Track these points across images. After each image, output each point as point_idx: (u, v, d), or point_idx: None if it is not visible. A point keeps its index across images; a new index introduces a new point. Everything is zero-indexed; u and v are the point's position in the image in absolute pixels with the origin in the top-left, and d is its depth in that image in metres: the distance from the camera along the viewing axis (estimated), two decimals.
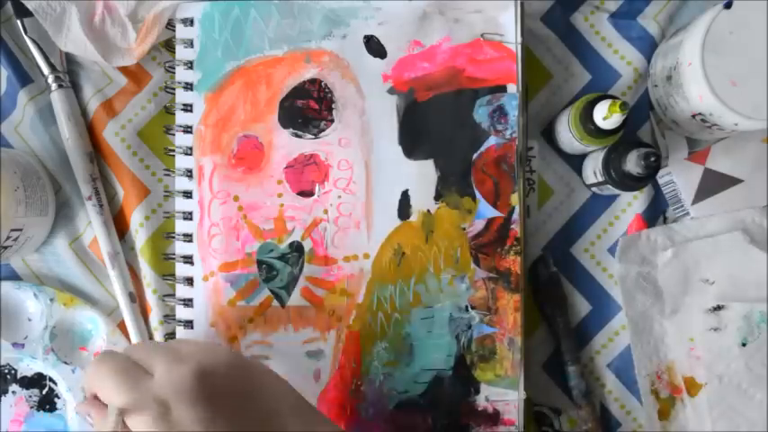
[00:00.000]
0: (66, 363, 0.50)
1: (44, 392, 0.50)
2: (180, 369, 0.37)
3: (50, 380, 0.50)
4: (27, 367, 0.50)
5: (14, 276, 0.51)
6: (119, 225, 0.51)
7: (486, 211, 0.47)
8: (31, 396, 0.50)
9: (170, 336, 0.49)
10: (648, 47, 0.50)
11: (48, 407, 0.50)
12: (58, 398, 0.50)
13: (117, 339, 0.50)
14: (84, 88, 0.51)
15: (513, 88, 0.47)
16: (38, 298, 0.50)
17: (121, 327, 0.50)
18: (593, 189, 0.50)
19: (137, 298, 0.50)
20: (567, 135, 0.46)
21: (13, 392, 0.50)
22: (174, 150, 0.49)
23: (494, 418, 0.47)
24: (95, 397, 0.39)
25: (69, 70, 0.51)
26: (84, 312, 0.50)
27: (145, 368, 0.38)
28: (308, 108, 0.48)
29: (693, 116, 0.45)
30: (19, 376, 0.50)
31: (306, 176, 0.48)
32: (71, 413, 0.50)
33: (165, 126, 0.50)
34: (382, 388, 0.47)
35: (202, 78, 0.49)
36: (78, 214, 0.51)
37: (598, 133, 0.44)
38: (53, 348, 0.50)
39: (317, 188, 0.48)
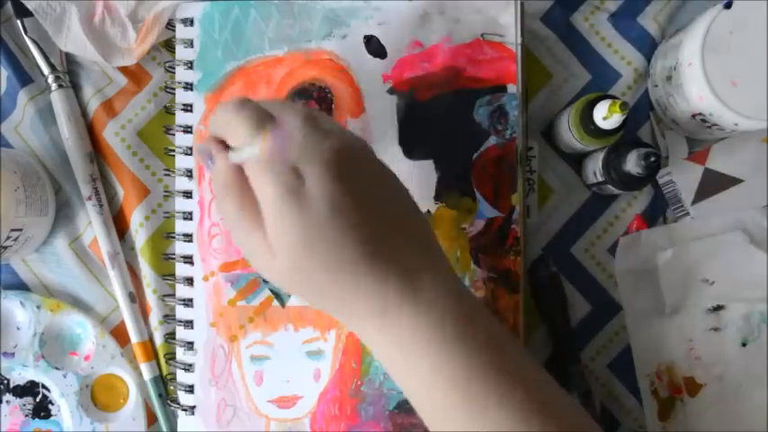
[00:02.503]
0: (57, 368, 0.50)
1: (38, 400, 0.50)
2: (321, 138, 0.35)
3: (43, 386, 0.50)
4: (19, 376, 0.50)
5: (14, 276, 0.51)
6: (119, 225, 0.51)
7: (486, 211, 0.47)
8: (25, 404, 0.50)
9: (170, 336, 0.49)
10: (648, 47, 0.50)
11: (42, 414, 0.50)
12: (52, 404, 0.50)
13: (106, 342, 0.50)
14: (84, 88, 0.51)
15: (513, 88, 0.47)
16: (24, 306, 0.50)
17: (122, 327, 0.50)
18: (593, 189, 0.50)
19: (137, 298, 0.50)
20: (567, 135, 0.46)
21: (8, 402, 0.50)
22: (174, 150, 0.49)
23: None
24: (217, 139, 0.37)
25: (69, 70, 0.51)
26: (71, 317, 0.50)
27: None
28: None
29: (693, 116, 0.45)
30: (12, 385, 0.50)
31: None
32: (66, 419, 0.50)
33: (165, 126, 0.50)
34: (382, 388, 0.47)
35: (202, 78, 0.49)
36: (78, 214, 0.51)
37: (598, 133, 0.44)
38: (43, 355, 0.50)
39: None
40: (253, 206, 0.35)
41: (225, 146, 0.37)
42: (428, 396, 0.36)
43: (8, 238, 0.45)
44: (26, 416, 0.50)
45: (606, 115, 0.43)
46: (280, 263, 0.35)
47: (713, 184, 0.49)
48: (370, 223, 0.35)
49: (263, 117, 0.35)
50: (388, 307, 0.35)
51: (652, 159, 0.43)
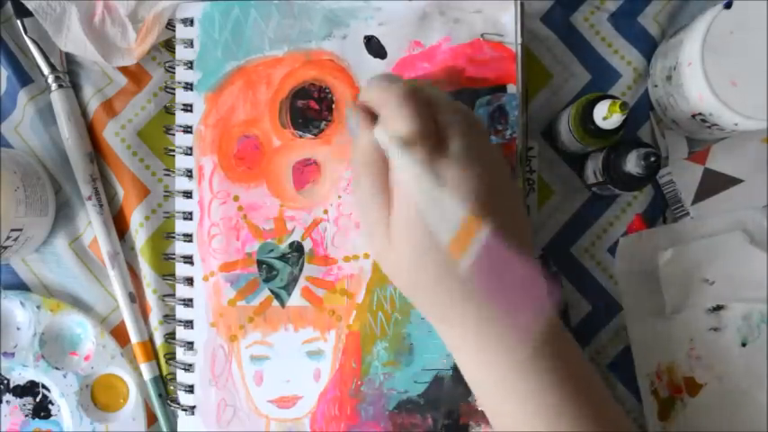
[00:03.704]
0: (57, 368, 0.50)
1: (38, 400, 0.50)
2: (473, 162, 0.35)
3: (43, 386, 0.50)
4: (19, 376, 0.50)
5: (14, 276, 0.51)
6: (119, 225, 0.51)
7: None
8: (25, 404, 0.50)
9: (170, 336, 0.49)
10: (648, 47, 0.50)
11: (42, 414, 0.50)
12: (52, 404, 0.50)
13: (106, 342, 0.50)
14: (84, 88, 0.51)
15: (513, 88, 0.47)
16: (24, 306, 0.50)
17: (122, 327, 0.50)
18: (594, 189, 0.50)
19: (137, 298, 0.50)
20: (567, 135, 0.46)
21: (8, 402, 0.50)
22: (174, 150, 0.49)
23: None
24: (367, 109, 0.37)
25: (69, 70, 0.51)
26: (71, 317, 0.50)
27: (442, 129, 0.36)
28: (308, 108, 0.48)
29: (693, 116, 0.45)
30: (12, 385, 0.50)
31: (306, 176, 0.48)
32: (66, 419, 0.50)
33: (165, 126, 0.50)
34: (382, 388, 0.47)
35: (202, 78, 0.49)
36: (78, 214, 0.51)
37: (598, 133, 0.44)
38: (43, 355, 0.50)
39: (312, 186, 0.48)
40: (386, 191, 0.35)
41: (373, 118, 0.37)
42: (517, 423, 0.36)
43: (8, 238, 0.45)
44: (26, 416, 0.50)
45: (606, 115, 0.43)
46: (395, 256, 0.35)
47: (713, 184, 0.49)
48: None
49: (426, 118, 0.35)
50: (481, 336, 0.35)
51: (652, 159, 0.43)
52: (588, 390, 0.37)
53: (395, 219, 0.35)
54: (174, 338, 0.49)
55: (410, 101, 0.35)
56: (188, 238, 0.49)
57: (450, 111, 0.36)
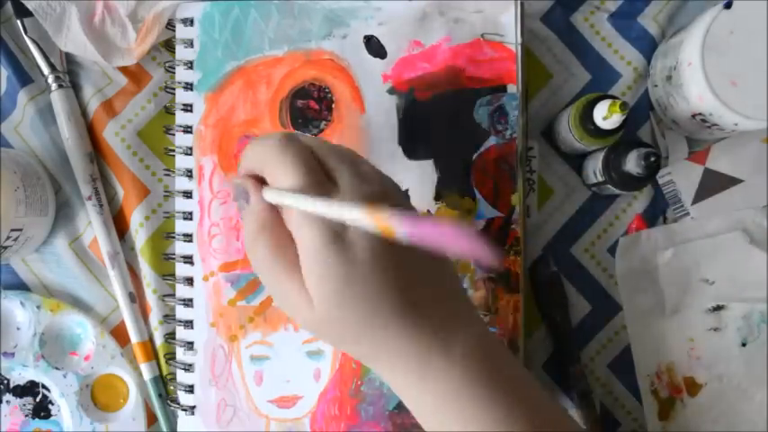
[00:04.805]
0: (57, 368, 0.50)
1: (38, 400, 0.50)
2: (365, 190, 0.34)
3: (43, 387, 0.50)
4: (19, 376, 0.50)
5: (14, 276, 0.51)
6: (119, 225, 0.51)
7: (486, 211, 0.47)
8: (25, 404, 0.50)
9: (170, 336, 0.49)
10: (648, 47, 0.50)
11: (42, 414, 0.50)
12: (52, 404, 0.50)
13: (106, 342, 0.50)
14: (84, 88, 0.51)
15: (513, 88, 0.47)
16: (24, 306, 0.50)
17: (122, 327, 0.50)
18: (593, 189, 0.50)
19: (137, 298, 0.50)
20: (567, 135, 0.46)
21: (8, 402, 0.50)
22: (174, 150, 0.49)
23: None
24: (253, 175, 0.36)
25: (69, 70, 0.51)
26: (71, 317, 0.50)
27: (327, 171, 0.35)
28: (308, 108, 0.48)
29: (693, 116, 0.45)
30: (12, 385, 0.50)
31: None
32: (66, 419, 0.50)
33: (165, 126, 0.50)
34: (382, 388, 0.47)
35: (202, 78, 0.49)
36: (78, 214, 0.51)
37: (598, 133, 0.44)
38: (43, 355, 0.50)
39: None
40: (289, 248, 0.34)
41: (260, 182, 0.36)
42: None
43: (8, 238, 0.45)
44: (26, 416, 0.50)
45: (606, 115, 0.43)
46: (318, 313, 0.34)
47: (713, 184, 0.49)
48: (407, 276, 0.34)
49: (306, 162, 0.34)
50: (422, 364, 0.34)
51: (652, 159, 0.43)
52: (527, 393, 0.36)
53: (307, 275, 0.33)
54: (173, 338, 0.49)
55: (289, 151, 0.34)
56: (188, 238, 0.49)
57: (329, 150, 0.36)
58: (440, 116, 0.48)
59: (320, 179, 0.34)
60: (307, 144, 0.35)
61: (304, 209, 0.33)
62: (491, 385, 0.35)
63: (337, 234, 0.33)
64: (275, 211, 0.35)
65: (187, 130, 0.49)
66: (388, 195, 0.35)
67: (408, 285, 0.34)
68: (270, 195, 0.35)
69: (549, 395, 0.38)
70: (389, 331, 0.34)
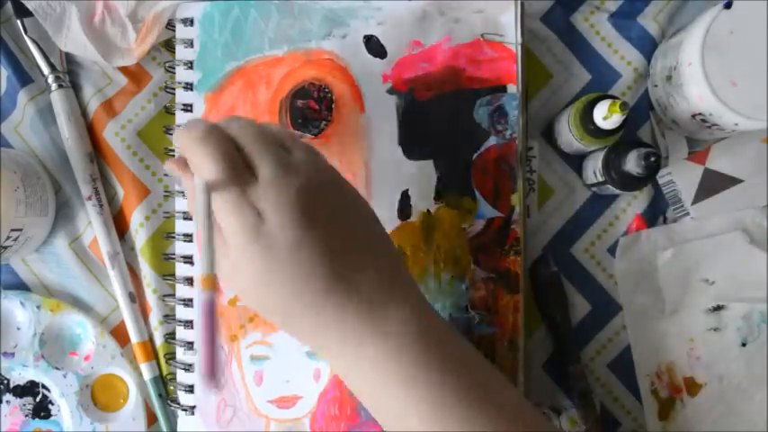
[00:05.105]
0: (57, 368, 0.50)
1: (38, 400, 0.50)
2: (288, 181, 0.35)
3: (43, 386, 0.50)
4: (19, 376, 0.50)
5: (14, 276, 0.51)
6: (119, 225, 0.51)
7: (486, 211, 0.47)
8: (25, 404, 0.50)
9: (170, 336, 0.49)
10: (648, 47, 0.50)
11: (42, 414, 0.50)
12: (52, 404, 0.50)
13: (106, 342, 0.50)
14: (84, 88, 0.51)
15: (513, 88, 0.47)
16: (25, 306, 0.50)
17: (122, 327, 0.50)
18: (593, 189, 0.50)
19: (137, 298, 0.50)
20: (567, 135, 0.46)
21: (8, 402, 0.50)
22: (174, 150, 0.49)
23: None
24: (185, 162, 0.37)
25: (69, 70, 0.51)
26: (71, 317, 0.50)
27: (249, 162, 0.35)
28: (307, 108, 0.48)
29: (693, 116, 0.45)
30: (12, 385, 0.50)
31: None
32: (66, 419, 0.50)
33: (165, 126, 0.50)
34: None
35: (202, 78, 0.49)
36: (78, 214, 0.51)
37: (598, 133, 0.44)
38: (43, 355, 0.50)
39: None
40: (221, 233, 0.35)
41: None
42: (400, 425, 0.36)
43: (8, 238, 0.45)
44: (26, 416, 0.50)
45: (606, 115, 0.43)
46: (245, 293, 0.36)
47: (713, 184, 0.49)
48: (331, 258, 0.35)
49: (230, 151, 0.35)
50: (347, 339, 0.35)
51: (652, 159, 0.43)
52: (465, 360, 0.37)
53: (231, 258, 0.35)
54: (173, 338, 0.49)
55: (208, 144, 0.34)
56: (188, 238, 0.49)
57: (254, 139, 0.36)
58: (440, 116, 0.48)
59: (237, 171, 0.34)
60: (229, 134, 0.36)
61: (219, 213, 0.35)
62: (426, 356, 0.35)
63: (254, 226, 0.34)
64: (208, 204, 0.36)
65: None
66: (312, 189, 0.35)
67: (333, 259, 0.35)
68: (196, 183, 0.36)
69: (490, 365, 0.38)
70: (315, 311, 0.35)
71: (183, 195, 0.49)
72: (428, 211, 0.48)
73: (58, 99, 0.50)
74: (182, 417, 0.49)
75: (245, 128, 0.36)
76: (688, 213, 0.49)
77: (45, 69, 0.50)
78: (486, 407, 0.35)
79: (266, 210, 0.34)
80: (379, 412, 0.37)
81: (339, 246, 0.36)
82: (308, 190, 0.35)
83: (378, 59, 0.48)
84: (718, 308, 0.49)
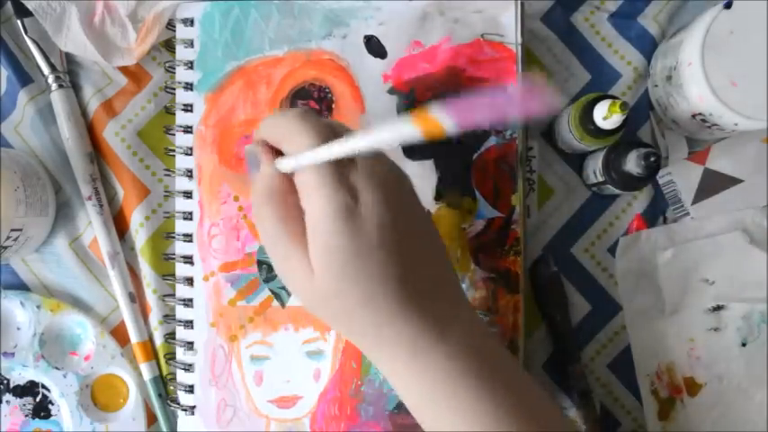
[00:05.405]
0: (57, 368, 0.50)
1: (38, 400, 0.50)
2: (384, 167, 0.34)
3: (43, 387, 0.50)
4: (19, 376, 0.50)
5: (14, 276, 0.51)
6: (119, 225, 0.51)
7: (487, 211, 0.47)
8: (24, 404, 0.50)
9: (170, 336, 0.49)
10: (648, 47, 0.50)
11: (42, 414, 0.50)
12: (52, 404, 0.50)
13: (106, 342, 0.50)
14: (84, 88, 0.51)
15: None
16: (24, 306, 0.50)
17: (122, 327, 0.50)
18: (593, 189, 0.50)
19: (137, 298, 0.50)
20: (567, 135, 0.46)
21: (7, 402, 0.50)
22: (174, 150, 0.49)
23: None
24: (266, 143, 0.36)
25: (69, 70, 0.51)
26: (71, 317, 0.50)
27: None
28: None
29: (693, 116, 0.45)
30: (12, 385, 0.50)
31: None
32: (66, 419, 0.50)
33: (165, 126, 0.50)
34: (382, 388, 0.47)
35: (203, 78, 0.49)
36: (78, 214, 0.51)
37: (598, 133, 0.44)
38: (43, 355, 0.50)
39: None
40: (297, 219, 0.34)
41: (274, 152, 0.36)
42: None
43: (8, 238, 0.45)
44: (26, 416, 0.50)
45: (606, 115, 0.43)
46: (319, 284, 0.33)
47: (713, 184, 0.49)
48: (410, 258, 0.34)
49: (327, 129, 0.34)
50: (416, 351, 0.34)
51: (652, 159, 0.43)
52: (520, 388, 0.36)
53: (313, 246, 0.33)
54: (174, 338, 0.49)
55: (308, 120, 0.34)
56: (188, 238, 0.49)
57: (347, 128, 0.36)
58: None
59: (339, 161, 0.34)
60: (323, 120, 0.35)
61: (328, 157, 0.32)
62: (483, 376, 0.35)
63: (349, 207, 0.32)
64: (286, 180, 0.35)
65: (187, 130, 0.49)
66: (401, 177, 0.35)
67: (410, 267, 0.34)
68: (284, 164, 0.35)
69: (544, 392, 0.38)
70: (383, 315, 0.34)
71: (184, 195, 0.49)
72: (428, 211, 0.48)
73: (58, 99, 0.50)
74: (182, 417, 0.49)
75: (332, 121, 0.36)
76: (688, 213, 0.49)
77: (45, 69, 0.50)
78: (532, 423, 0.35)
79: (363, 189, 0.33)
80: (430, 419, 0.36)
81: (417, 250, 0.35)
82: (398, 181, 0.35)
83: (378, 59, 0.48)
84: (718, 308, 0.49)
